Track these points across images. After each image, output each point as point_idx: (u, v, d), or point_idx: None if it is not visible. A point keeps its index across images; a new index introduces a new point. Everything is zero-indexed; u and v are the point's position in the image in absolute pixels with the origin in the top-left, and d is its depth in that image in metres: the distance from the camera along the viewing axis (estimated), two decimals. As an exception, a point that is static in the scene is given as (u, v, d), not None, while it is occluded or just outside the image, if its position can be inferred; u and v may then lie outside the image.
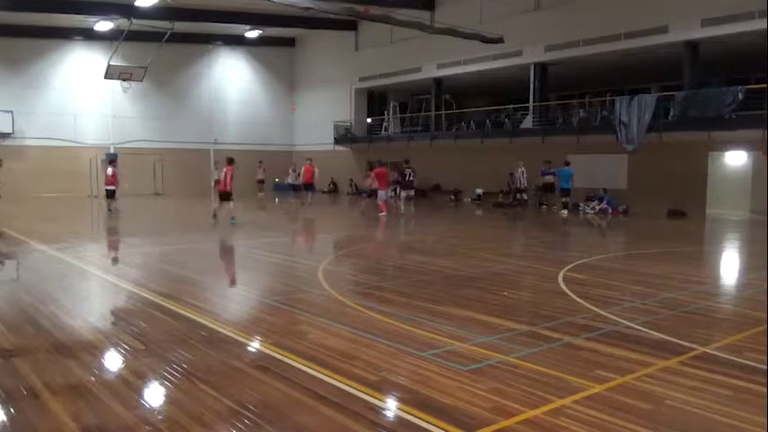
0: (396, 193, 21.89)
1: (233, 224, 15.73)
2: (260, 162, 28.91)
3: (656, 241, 13.93)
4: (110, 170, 19.70)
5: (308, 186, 22.28)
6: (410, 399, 4.11)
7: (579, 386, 4.34)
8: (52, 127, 29.93)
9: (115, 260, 11.12)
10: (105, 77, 25.48)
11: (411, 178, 20.65)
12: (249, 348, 5.42)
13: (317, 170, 22.36)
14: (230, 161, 16.33)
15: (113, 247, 13.27)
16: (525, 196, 23.23)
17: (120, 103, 31.04)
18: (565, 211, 21.05)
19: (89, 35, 29.55)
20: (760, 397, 4.19)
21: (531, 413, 3.87)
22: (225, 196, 16.20)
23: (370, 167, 22.28)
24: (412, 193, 21.01)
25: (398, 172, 21.33)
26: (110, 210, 19.45)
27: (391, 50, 30.17)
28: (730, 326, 6.45)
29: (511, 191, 24.06)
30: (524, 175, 22.82)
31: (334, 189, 33.49)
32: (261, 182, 28.51)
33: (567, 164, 21.35)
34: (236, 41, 33.79)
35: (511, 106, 26.49)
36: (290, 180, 28.10)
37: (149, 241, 13.56)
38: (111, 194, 19.68)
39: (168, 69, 31.59)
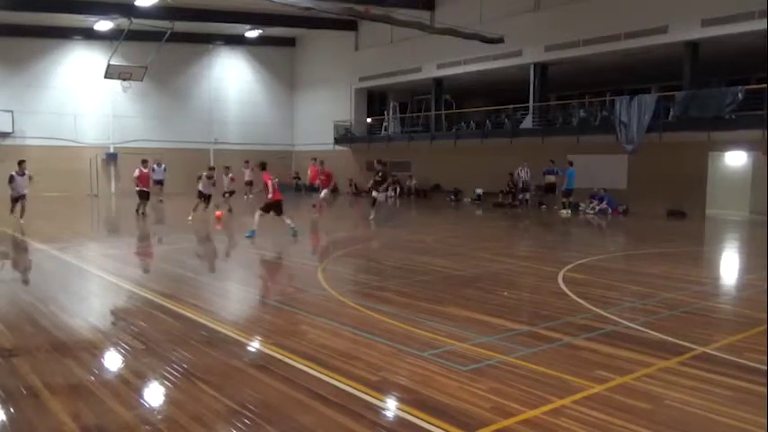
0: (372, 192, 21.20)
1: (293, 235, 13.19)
2: (246, 162, 26.56)
3: (656, 241, 13.93)
4: (137, 171, 18.79)
5: (317, 187, 21.66)
6: (410, 399, 4.12)
7: (579, 386, 4.34)
8: (52, 127, 29.95)
9: (115, 260, 11.10)
10: (105, 77, 25.47)
11: (379, 178, 19.11)
12: (249, 348, 5.42)
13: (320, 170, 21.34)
14: (263, 166, 13.62)
15: (114, 246, 13.25)
16: (528, 196, 23.21)
17: (120, 103, 31.04)
18: (567, 212, 21.07)
19: (89, 35, 29.55)
20: (760, 397, 4.19)
21: (530, 413, 3.87)
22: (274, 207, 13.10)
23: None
24: (389, 193, 21.03)
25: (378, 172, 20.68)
26: (137, 211, 18.34)
27: (391, 50, 30.16)
28: (730, 326, 6.45)
29: (515, 190, 24.06)
30: (528, 175, 22.77)
31: (334, 189, 33.39)
32: (249, 183, 26.10)
33: (571, 164, 21.38)
34: (237, 41, 33.79)
35: (511, 106, 26.49)
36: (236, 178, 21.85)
37: (150, 241, 13.55)
38: (143, 195, 18.36)
39: (168, 69, 31.59)
